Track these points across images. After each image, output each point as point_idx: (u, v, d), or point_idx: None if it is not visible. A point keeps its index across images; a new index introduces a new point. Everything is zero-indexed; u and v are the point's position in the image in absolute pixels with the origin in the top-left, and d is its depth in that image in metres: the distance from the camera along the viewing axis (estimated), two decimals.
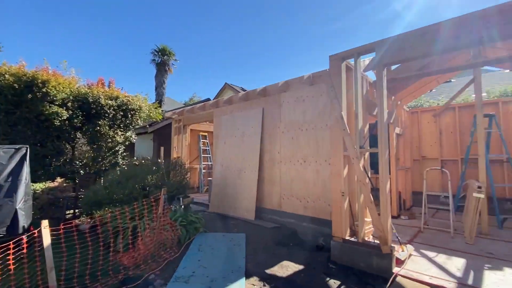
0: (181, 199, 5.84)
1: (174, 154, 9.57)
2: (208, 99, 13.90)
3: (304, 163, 5.54)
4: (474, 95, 5.73)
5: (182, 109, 9.85)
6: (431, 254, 3.89)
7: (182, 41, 71.60)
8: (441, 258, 3.71)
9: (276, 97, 6.30)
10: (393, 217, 6.25)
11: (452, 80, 13.49)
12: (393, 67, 6.48)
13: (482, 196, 4.34)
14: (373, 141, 3.85)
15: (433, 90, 14.11)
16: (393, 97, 6.64)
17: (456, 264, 3.49)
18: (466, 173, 6.78)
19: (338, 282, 3.14)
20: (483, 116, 5.97)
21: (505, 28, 2.67)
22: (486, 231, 4.88)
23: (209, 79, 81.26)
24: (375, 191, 3.79)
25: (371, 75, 5.22)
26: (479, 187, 4.37)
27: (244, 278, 3.29)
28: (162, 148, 8.21)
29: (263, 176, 6.37)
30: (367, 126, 4.28)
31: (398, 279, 3.03)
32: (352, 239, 3.73)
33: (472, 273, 3.22)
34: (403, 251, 3.67)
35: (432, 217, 6.28)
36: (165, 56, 21.91)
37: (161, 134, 11.84)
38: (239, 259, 3.84)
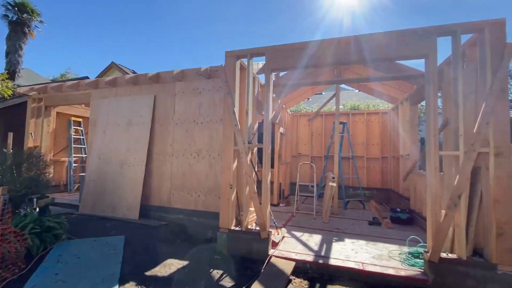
0: (34, 200, 4.54)
1: (29, 143, 7.34)
2: (86, 77, 11.43)
3: (198, 156, 5.46)
4: (334, 107, 7.32)
5: (45, 85, 7.65)
6: (298, 234, 4.66)
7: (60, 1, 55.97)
8: (305, 237, 4.51)
9: (170, 85, 5.89)
10: (274, 205, 7.12)
11: (323, 93, 16.76)
12: (281, 74, 7.31)
13: (334, 184, 5.59)
14: (261, 138, 4.22)
15: (310, 99, 17.13)
16: (279, 101, 7.54)
17: (315, 240, 4.34)
18: (327, 167, 8.56)
19: (221, 271, 3.27)
20: (339, 123, 7.68)
21: (358, 54, 3.47)
22: (336, 212, 6.34)
23: (93, 55, 67.34)
24: (260, 183, 4.17)
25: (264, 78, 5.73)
26: (333, 178, 5.61)
27: (117, 285, 2.89)
28: (10, 134, 6.12)
29: (152, 170, 5.84)
30: (257, 124, 4.65)
31: (273, 259, 3.46)
32: (237, 228, 3.97)
33: (325, 246, 4.09)
34: (278, 234, 4.22)
35: (302, 203, 7.60)
36: (25, 14, 16.39)
37: (11, 116, 8.82)
38: (114, 265, 3.35)
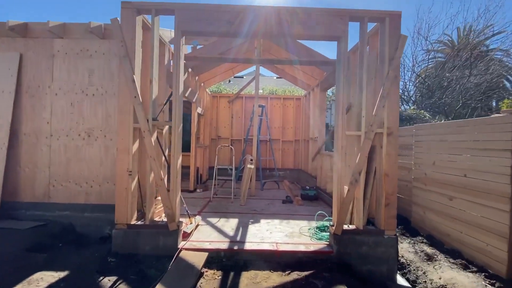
0: None
1: None
2: None
3: (89, 138, 4.35)
4: (254, 90, 7.21)
5: None
6: (214, 220, 4.37)
7: None
8: (221, 222, 4.26)
9: (46, 43, 4.41)
10: (190, 191, 6.61)
11: (244, 77, 16.74)
12: (198, 47, 6.60)
13: (252, 167, 5.52)
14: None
15: (231, 82, 16.86)
16: (197, 77, 6.87)
17: (231, 225, 4.14)
18: (246, 149, 8.54)
19: (114, 278, 2.63)
20: (258, 106, 7.65)
21: (278, 27, 3.24)
22: (254, 193, 6.38)
23: None
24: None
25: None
26: (251, 160, 5.53)
27: None
28: None
29: (19, 156, 4.36)
30: (168, 101, 3.96)
31: (183, 253, 3.04)
32: (139, 222, 3.33)
33: (240, 230, 3.94)
34: (191, 223, 3.80)
35: (221, 187, 7.38)
36: None
37: None
38: None
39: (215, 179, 6.01)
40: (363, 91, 3.32)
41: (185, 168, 7.68)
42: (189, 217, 3.85)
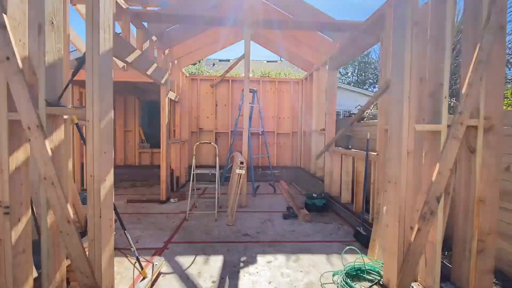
0: None
1: None
2: None
3: None
4: (244, 71, 5.61)
5: None
6: (187, 260, 2.88)
7: None
8: (197, 266, 2.78)
9: None
10: (161, 201, 5.06)
11: (230, 60, 14.94)
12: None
13: (243, 172, 4.03)
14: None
15: (215, 65, 15.03)
16: (166, 51, 5.17)
17: (212, 272, 2.67)
18: (234, 144, 7.00)
19: None
20: (249, 91, 6.07)
21: None
22: (245, 203, 4.91)
23: None
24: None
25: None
26: (241, 163, 4.02)
27: None
28: None
29: None
30: (78, 67, 2.33)
31: None
32: None
33: (227, 283, 2.48)
34: (144, 277, 2.29)
35: (203, 193, 5.87)
36: None
37: None
38: None
39: (191, 188, 4.48)
40: (445, 51, 1.85)
41: (156, 168, 6.09)
42: (142, 269, 2.32)
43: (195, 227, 3.85)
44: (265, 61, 14.57)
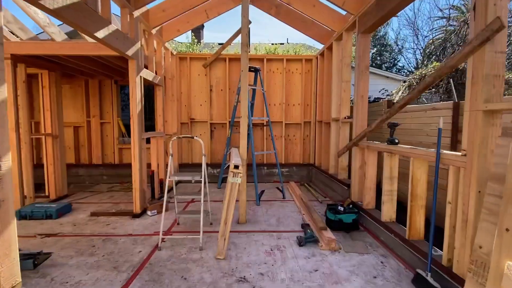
0: None
1: None
2: None
3: None
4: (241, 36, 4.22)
5: None
6: None
7: None
8: None
9: None
10: (134, 215, 3.81)
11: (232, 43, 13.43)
12: None
13: (238, 181, 2.71)
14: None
15: (214, 49, 13.57)
16: (136, 13, 3.80)
17: None
18: (232, 138, 5.69)
19: None
20: (249, 70, 4.72)
21: None
22: (244, 218, 3.62)
23: None
24: None
25: None
26: (236, 168, 2.70)
27: None
28: None
29: None
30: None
31: None
32: None
33: None
34: None
35: (192, 202, 4.58)
36: None
37: None
38: None
39: (165, 202, 3.21)
40: None
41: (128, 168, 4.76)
42: None
43: (168, 263, 2.58)
44: (270, 44, 13.03)
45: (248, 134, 4.99)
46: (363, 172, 3.76)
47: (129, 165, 5.99)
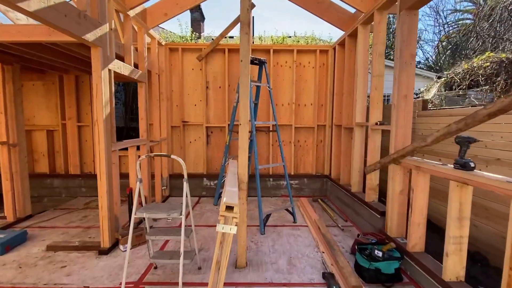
0: None
1: None
2: None
3: None
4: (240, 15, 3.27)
5: None
6: None
7: None
8: None
9: None
10: (102, 251, 2.91)
11: (234, 37, 12.42)
12: None
13: (233, 230, 1.77)
14: None
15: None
16: None
17: None
18: (230, 146, 4.76)
19: None
20: (253, 62, 3.78)
21: None
22: (243, 261, 2.69)
23: None
24: None
25: None
26: (229, 208, 1.75)
27: None
28: None
29: None
30: None
31: None
32: None
33: None
34: None
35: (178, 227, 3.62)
36: None
37: None
38: None
39: (129, 248, 2.29)
40: None
41: (124, 178, 3.78)
42: None
43: None
44: (276, 36, 11.96)
45: (251, 140, 4.05)
46: (404, 199, 2.79)
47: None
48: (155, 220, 3.72)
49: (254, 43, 7.30)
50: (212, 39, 5.37)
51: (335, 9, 4.16)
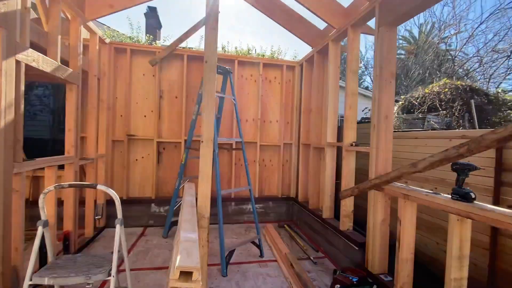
0: None
1: None
2: None
3: None
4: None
5: None
6: None
7: None
8: None
9: None
10: None
11: (194, 47, 11.83)
12: None
13: None
14: None
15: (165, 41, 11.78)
16: None
17: None
18: (187, 165, 4.09)
19: None
20: (217, 72, 3.31)
21: None
22: None
23: None
24: None
25: None
26: (185, 273, 1.16)
27: None
28: None
29: None
30: None
31: None
32: None
33: None
34: None
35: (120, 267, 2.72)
36: None
37: None
38: None
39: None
40: None
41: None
42: None
43: None
44: (241, 48, 11.78)
45: (213, 160, 3.47)
46: (386, 229, 2.51)
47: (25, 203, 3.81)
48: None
49: (218, 51, 6.86)
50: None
51: (303, 24, 4.00)
